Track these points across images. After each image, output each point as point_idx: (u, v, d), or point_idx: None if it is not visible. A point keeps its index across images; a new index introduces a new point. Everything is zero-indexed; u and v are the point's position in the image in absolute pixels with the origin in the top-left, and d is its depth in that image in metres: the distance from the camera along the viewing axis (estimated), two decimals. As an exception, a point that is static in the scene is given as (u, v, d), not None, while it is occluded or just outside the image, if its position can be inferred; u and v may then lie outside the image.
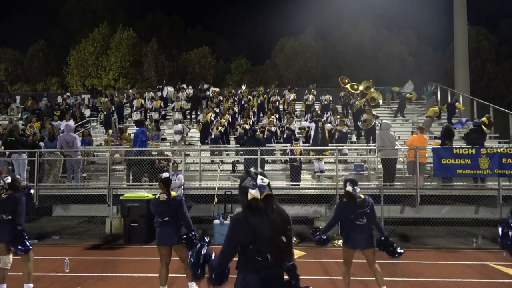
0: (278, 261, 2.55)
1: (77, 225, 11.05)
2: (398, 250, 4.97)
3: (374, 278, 5.02)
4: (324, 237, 5.10)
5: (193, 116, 17.32)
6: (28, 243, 5.22)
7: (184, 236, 5.11)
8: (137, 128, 11.02)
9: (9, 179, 5.30)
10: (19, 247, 5.14)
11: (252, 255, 2.53)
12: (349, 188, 4.88)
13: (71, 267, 6.70)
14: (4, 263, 5.24)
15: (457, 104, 15.60)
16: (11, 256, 5.28)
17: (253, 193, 2.53)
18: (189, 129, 16.09)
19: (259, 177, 2.57)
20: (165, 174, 5.36)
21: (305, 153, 11.64)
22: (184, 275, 5.44)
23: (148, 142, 12.33)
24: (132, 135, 12.17)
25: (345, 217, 4.97)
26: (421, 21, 32.16)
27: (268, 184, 2.58)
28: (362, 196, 4.95)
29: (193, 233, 5.10)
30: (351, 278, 5.20)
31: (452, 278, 6.17)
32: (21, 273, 5.34)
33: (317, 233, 5.13)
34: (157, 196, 5.29)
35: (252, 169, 2.67)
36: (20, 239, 5.17)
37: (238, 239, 2.58)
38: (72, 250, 8.10)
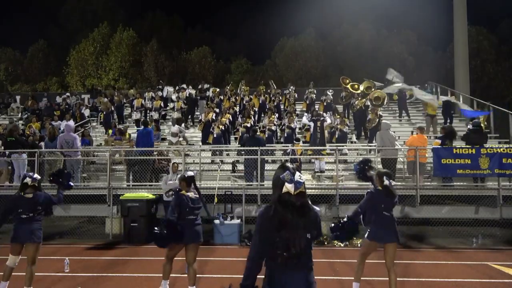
0: (302, 258, 2.59)
1: (77, 225, 11.05)
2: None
3: (382, 278, 4.97)
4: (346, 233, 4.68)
5: (190, 118, 17.23)
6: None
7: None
8: (142, 128, 11.02)
9: (38, 176, 5.29)
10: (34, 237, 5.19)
11: (279, 250, 2.55)
12: (386, 182, 4.85)
13: (71, 267, 6.69)
14: (13, 262, 5.23)
15: (451, 98, 15.57)
16: (19, 257, 5.28)
17: (289, 187, 2.57)
18: (188, 127, 16.07)
19: (297, 173, 2.63)
20: (190, 173, 5.31)
21: (306, 153, 11.63)
22: (185, 275, 5.45)
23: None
24: (134, 136, 12.18)
25: (375, 208, 4.89)
26: (421, 21, 32.20)
27: (304, 183, 2.65)
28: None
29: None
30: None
31: (452, 278, 6.16)
32: (23, 273, 5.30)
33: (338, 228, 4.65)
34: (188, 195, 5.11)
35: (289, 165, 2.71)
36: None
37: (265, 232, 2.59)
38: (72, 250, 8.09)
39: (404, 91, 16.77)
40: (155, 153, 10.77)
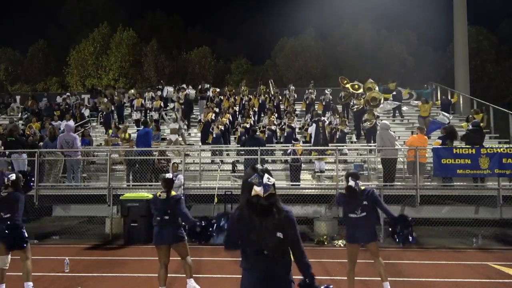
0: (276, 257, 2.58)
1: (77, 225, 11.05)
2: (409, 237, 4.95)
3: (377, 278, 4.98)
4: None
5: (186, 122, 17.11)
6: (25, 235, 5.24)
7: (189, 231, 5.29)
8: (142, 128, 11.03)
9: (13, 177, 5.29)
10: (19, 243, 5.15)
11: (250, 252, 2.59)
12: (351, 183, 4.86)
13: (71, 267, 6.69)
14: (3, 263, 5.21)
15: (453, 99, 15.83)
16: (9, 256, 5.26)
17: (258, 190, 2.56)
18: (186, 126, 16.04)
19: (266, 175, 2.61)
20: (168, 175, 5.44)
21: (306, 153, 11.62)
22: (184, 275, 5.44)
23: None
24: (134, 136, 12.18)
25: (344, 210, 4.99)
26: (421, 21, 32.16)
27: (273, 184, 2.63)
28: (362, 188, 4.94)
29: (197, 223, 5.27)
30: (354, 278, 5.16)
31: (452, 278, 6.16)
32: (20, 273, 5.31)
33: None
34: (157, 195, 5.30)
35: (258, 166, 2.69)
36: (19, 234, 5.17)
37: (235, 233, 2.67)
38: (72, 250, 8.10)
39: (401, 91, 16.88)
40: (155, 153, 10.77)
